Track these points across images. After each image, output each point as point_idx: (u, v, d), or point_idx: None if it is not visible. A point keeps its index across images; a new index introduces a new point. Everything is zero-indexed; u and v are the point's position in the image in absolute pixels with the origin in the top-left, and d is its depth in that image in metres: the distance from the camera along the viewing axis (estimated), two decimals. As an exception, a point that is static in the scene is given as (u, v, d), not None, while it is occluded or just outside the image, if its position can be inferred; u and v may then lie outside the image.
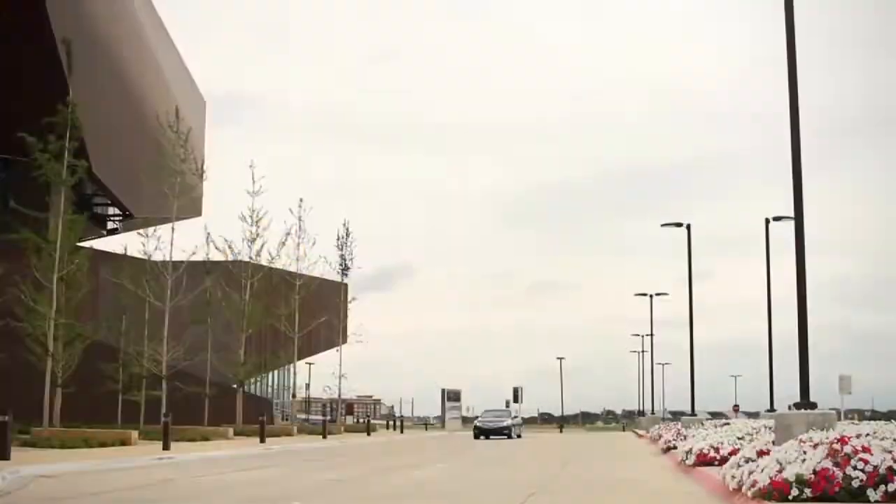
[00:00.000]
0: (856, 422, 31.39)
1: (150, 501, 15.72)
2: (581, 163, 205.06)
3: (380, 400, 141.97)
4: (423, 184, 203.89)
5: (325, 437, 51.65)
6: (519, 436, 58.18)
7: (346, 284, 70.24)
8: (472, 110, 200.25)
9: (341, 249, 69.08)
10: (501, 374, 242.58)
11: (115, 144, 51.29)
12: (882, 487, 11.71)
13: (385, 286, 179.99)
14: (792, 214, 18.03)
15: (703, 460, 21.90)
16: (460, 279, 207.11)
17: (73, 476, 20.94)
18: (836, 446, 12.43)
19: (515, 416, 62.45)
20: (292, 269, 60.03)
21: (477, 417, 61.69)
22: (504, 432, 57.12)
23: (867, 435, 12.81)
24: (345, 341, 69.61)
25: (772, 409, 35.64)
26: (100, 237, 62.14)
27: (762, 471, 12.86)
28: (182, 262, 46.94)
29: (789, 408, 17.86)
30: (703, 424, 32.50)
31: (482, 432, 57.22)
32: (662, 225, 44.87)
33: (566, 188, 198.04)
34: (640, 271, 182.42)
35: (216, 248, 52.15)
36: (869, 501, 11.67)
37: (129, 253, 49.19)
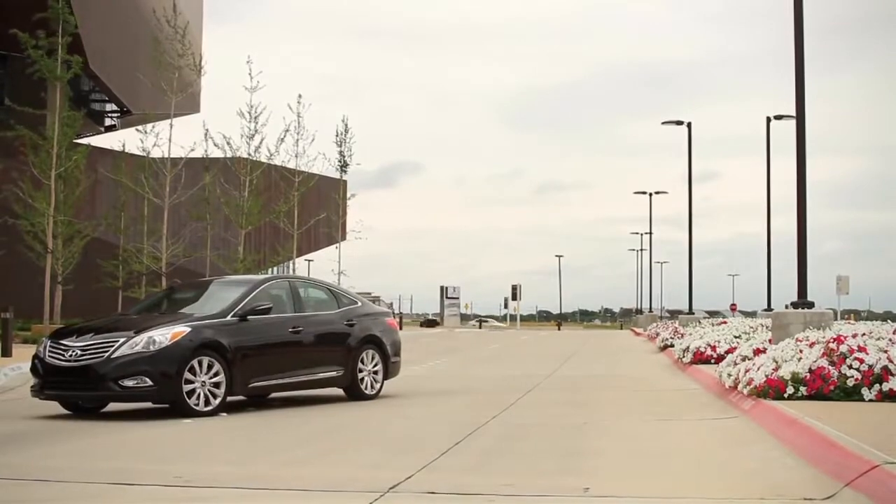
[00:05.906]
0: (852, 322, 31.56)
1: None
2: (582, 64, 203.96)
3: (379, 297, 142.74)
4: (425, 85, 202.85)
5: (324, 333, 51.83)
6: None
7: (345, 181, 70.08)
8: (473, 10, 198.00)
9: (340, 146, 68.63)
10: (502, 273, 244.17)
11: (111, 40, 50.70)
12: (877, 387, 11.79)
13: (390, 183, 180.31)
14: (794, 113, 17.89)
15: (700, 358, 22.02)
16: (463, 179, 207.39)
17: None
18: (833, 345, 12.49)
19: None
20: (291, 165, 59.83)
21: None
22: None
23: (863, 335, 12.88)
24: (344, 238, 69.64)
25: (769, 309, 35.75)
26: (98, 134, 61.85)
27: (758, 369, 12.93)
28: (181, 158, 46.70)
29: (786, 307, 17.95)
30: (700, 323, 32.56)
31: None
32: (663, 123, 44.44)
33: (567, 89, 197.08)
34: (643, 172, 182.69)
35: (215, 144, 51.79)
36: (863, 400, 11.75)
37: (127, 150, 49.08)
